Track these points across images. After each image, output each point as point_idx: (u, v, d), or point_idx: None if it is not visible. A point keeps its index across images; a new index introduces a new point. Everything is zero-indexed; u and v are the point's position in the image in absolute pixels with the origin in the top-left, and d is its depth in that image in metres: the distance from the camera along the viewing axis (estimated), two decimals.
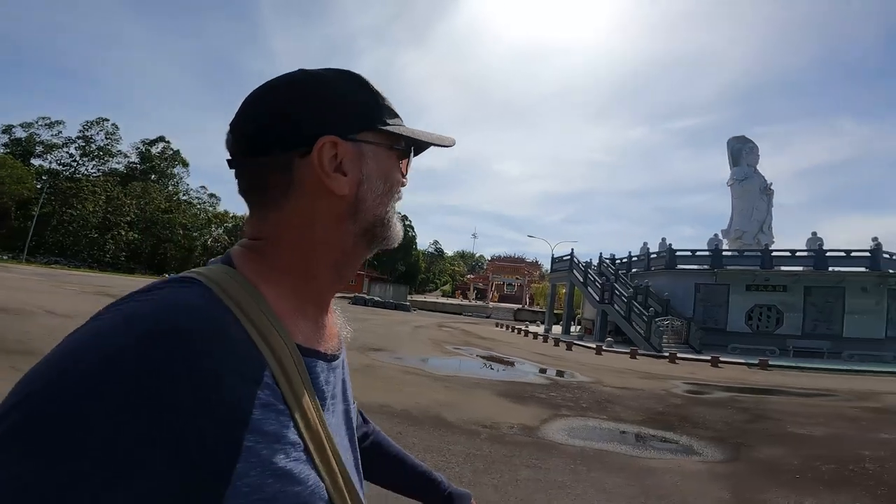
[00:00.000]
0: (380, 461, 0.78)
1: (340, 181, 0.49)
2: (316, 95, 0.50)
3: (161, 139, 61.50)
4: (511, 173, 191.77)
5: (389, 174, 0.54)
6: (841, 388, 11.44)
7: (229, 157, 0.52)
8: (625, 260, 27.44)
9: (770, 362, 15.48)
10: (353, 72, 0.53)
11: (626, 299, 20.98)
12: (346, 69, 0.54)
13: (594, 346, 17.87)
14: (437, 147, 0.60)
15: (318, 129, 0.48)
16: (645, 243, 25.92)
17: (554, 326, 28.41)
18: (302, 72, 0.52)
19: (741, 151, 26.88)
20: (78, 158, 54.15)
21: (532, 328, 28.20)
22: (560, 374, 11.45)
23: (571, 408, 7.25)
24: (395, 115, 0.55)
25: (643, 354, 17.38)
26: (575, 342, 20.46)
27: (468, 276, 73.49)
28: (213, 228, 62.46)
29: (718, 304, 21.82)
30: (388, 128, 0.53)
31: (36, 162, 51.71)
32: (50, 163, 52.91)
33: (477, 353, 14.18)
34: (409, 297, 51.42)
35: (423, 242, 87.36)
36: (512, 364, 12.82)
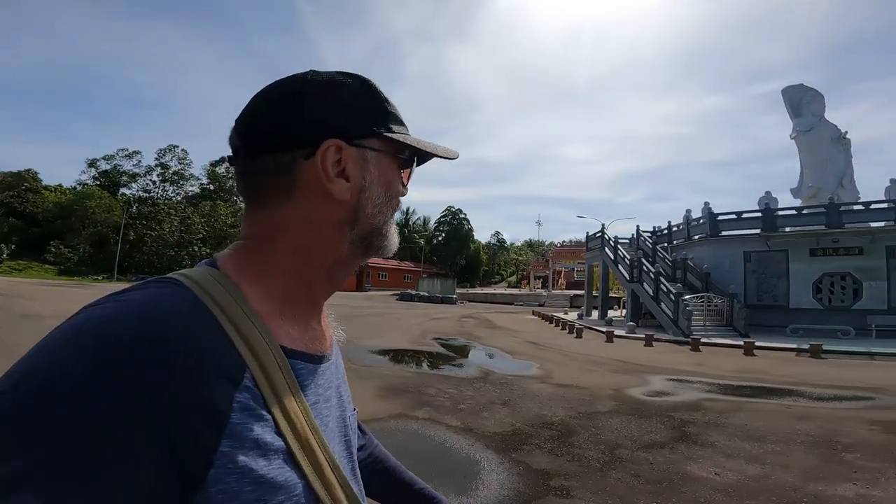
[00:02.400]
0: (376, 476, 0.74)
1: (342, 186, 0.48)
2: (323, 97, 0.49)
3: (223, 159, 66.01)
4: (578, 156, 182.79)
5: (391, 183, 0.53)
6: None
7: (230, 155, 0.51)
8: (665, 231, 23.90)
9: (826, 347, 12.20)
10: (363, 76, 0.53)
11: (653, 276, 18.09)
12: (356, 73, 0.53)
13: (607, 331, 15.50)
14: (442, 159, 0.59)
15: (324, 132, 0.48)
16: (688, 211, 22.22)
17: (600, 311, 25.68)
18: (312, 72, 0.51)
19: (801, 101, 22.04)
20: (158, 184, 60.07)
21: (568, 315, 25.84)
22: (506, 365, 9.79)
23: (438, 407, 6.21)
24: (401, 123, 0.54)
25: (665, 340, 14.75)
26: (593, 328, 18.10)
27: (530, 265, 70.67)
28: None
29: (776, 275, 17.93)
30: (393, 135, 0.52)
31: (126, 191, 58.18)
32: (136, 191, 59.24)
33: (449, 342, 12.79)
34: (457, 290, 50.71)
35: (488, 234, 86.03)
36: (465, 355, 11.40)
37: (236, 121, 0.50)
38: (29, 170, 54.11)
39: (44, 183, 54.48)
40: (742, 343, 12.75)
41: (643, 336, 14.64)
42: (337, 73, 0.52)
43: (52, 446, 0.31)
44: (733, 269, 18.72)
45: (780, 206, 18.64)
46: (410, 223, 68.54)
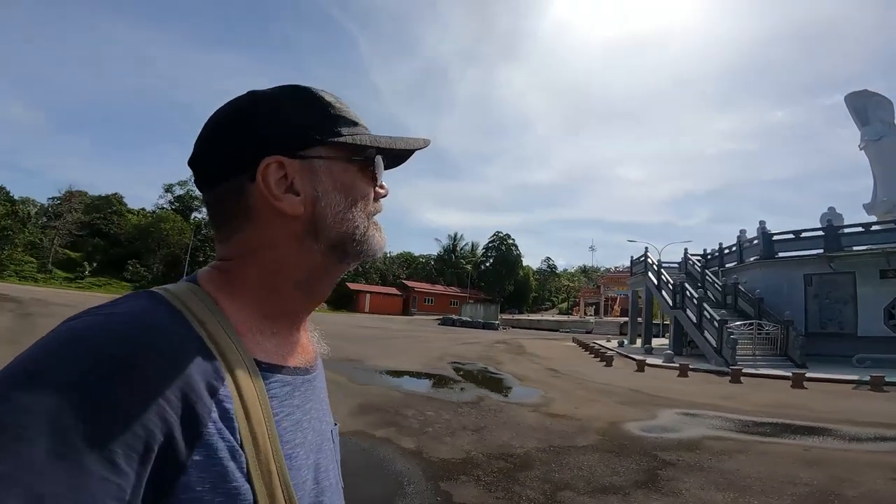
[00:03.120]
0: None
1: (292, 201, 0.48)
2: (257, 116, 0.49)
3: None
4: (633, 177, 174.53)
5: (351, 188, 0.52)
6: None
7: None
8: (716, 254, 21.93)
9: (892, 379, 10.43)
10: (302, 85, 0.52)
11: (696, 302, 16.55)
12: (295, 84, 0.52)
13: (640, 360, 14.25)
14: (413, 151, 0.58)
15: (262, 152, 0.47)
16: (742, 231, 20.23)
17: (643, 339, 23.93)
18: (248, 94, 0.51)
19: (866, 108, 19.61)
20: None
21: (610, 343, 24.30)
22: (507, 391, 9.15)
23: (404, 428, 6.06)
24: (354, 124, 0.52)
25: (705, 371, 13.28)
26: (629, 356, 16.73)
27: (581, 291, 68.04)
28: None
29: (841, 300, 15.71)
30: (340, 139, 0.50)
31: (197, 215, 62.85)
32: (205, 215, 63.87)
33: (463, 366, 12.23)
34: (503, 316, 50.62)
35: (538, 260, 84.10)
36: (471, 380, 10.82)
37: (188, 160, 0.51)
38: (115, 194, 60.14)
39: (129, 206, 60.18)
40: (790, 374, 11.17)
41: (677, 365, 13.28)
42: (277, 87, 0.51)
43: (29, 452, 0.31)
44: (792, 293, 16.70)
45: (844, 224, 16.49)
46: (458, 249, 68.51)
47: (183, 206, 61.30)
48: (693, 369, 13.65)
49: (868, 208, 19.92)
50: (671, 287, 18.85)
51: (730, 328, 14.31)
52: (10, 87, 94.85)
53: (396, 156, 0.57)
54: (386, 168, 0.57)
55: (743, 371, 12.47)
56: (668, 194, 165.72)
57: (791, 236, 17.42)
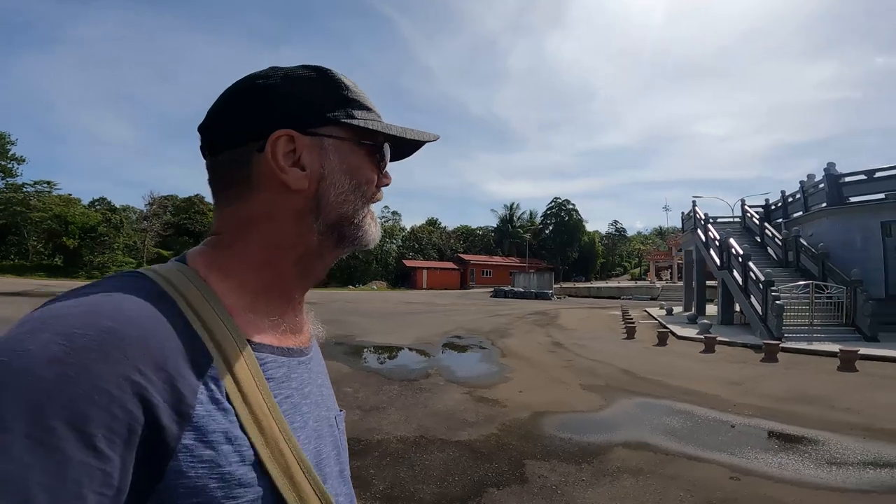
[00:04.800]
0: None
1: (297, 175, 0.48)
2: (275, 90, 0.49)
3: None
4: (718, 132, 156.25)
5: (356, 171, 0.51)
6: None
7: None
8: (780, 205, 18.32)
9: None
10: (321, 66, 0.52)
11: (741, 261, 13.95)
12: (316, 64, 0.52)
13: (661, 333, 12.32)
14: (420, 144, 0.57)
15: (275, 124, 0.47)
16: (809, 176, 16.50)
17: (696, 306, 21.20)
18: (269, 68, 0.51)
19: None
20: None
21: (660, 311, 21.88)
22: (468, 369, 8.14)
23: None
24: (368, 109, 0.52)
25: (741, 344, 11.10)
26: (665, 326, 14.64)
27: (650, 255, 62.88)
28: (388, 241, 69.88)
29: None
30: (352, 121, 0.50)
31: None
32: None
33: (454, 342, 11.42)
34: (565, 285, 48.59)
35: (623, 224, 78.85)
36: (444, 354, 9.83)
37: (201, 122, 0.51)
38: (197, 195, 65.70)
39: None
40: (838, 350, 8.85)
41: (703, 338, 11.24)
42: (299, 66, 0.51)
43: (7, 439, 0.30)
44: (867, 247, 13.36)
45: None
46: (515, 218, 66.10)
47: None
48: (727, 343, 11.51)
49: None
50: (718, 244, 16.16)
51: (776, 291, 11.78)
52: (103, 107, 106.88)
53: (403, 149, 0.57)
54: (393, 159, 0.57)
55: (783, 346, 10.21)
56: (761, 148, 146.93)
57: (864, 177, 13.78)
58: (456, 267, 56.16)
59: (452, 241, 63.35)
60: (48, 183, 46.54)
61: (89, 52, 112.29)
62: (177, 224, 59.64)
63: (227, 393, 0.40)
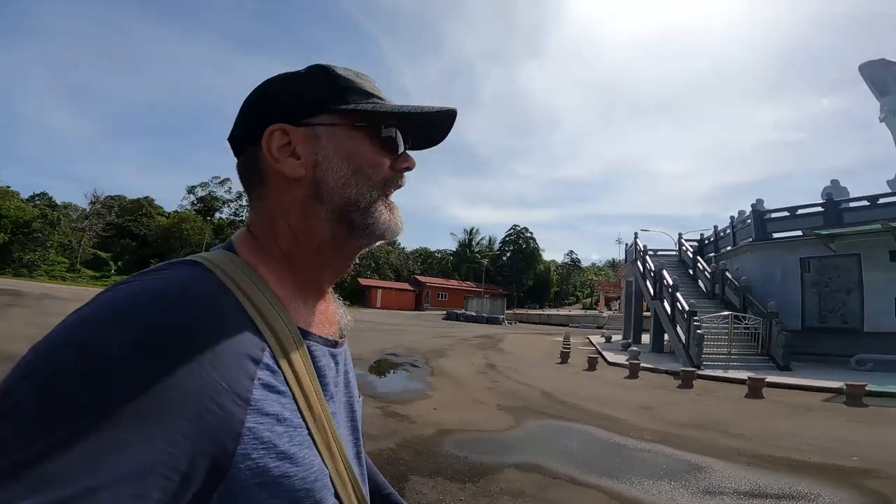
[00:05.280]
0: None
1: (292, 164, 0.50)
2: (274, 90, 0.52)
3: None
4: (671, 170, 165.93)
5: (355, 154, 0.52)
6: None
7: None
8: (712, 239, 19.40)
9: (871, 388, 8.34)
10: (322, 64, 0.53)
11: (670, 292, 14.52)
12: (318, 63, 0.53)
13: (591, 359, 12.51)
14: (436, 124, 0.57)
15: (268, 122, 0.50)
16: (740, 212, 17.69)
17: (627, 335, 21.80)
18: (278, 74, 0.53)
19: (885, 78, 16.58)
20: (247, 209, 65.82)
21: (600, 339, 22.36)
22: (391, 385, 7.78)
23: None
24: (368, 95, 0.53)
25: (665, 371, 11.39)
26: (601, 353, 14.90)
27: (600, 285, 64.85)
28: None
29: (844, 289, 13.16)
30: (343, 106, 0.51)
31: (219, 215, 64.35)
32: (227, 215, 65.37)
33: (385, 359, 11.02)
34: (518, 311, 49.63)
35: (578, 255, 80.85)
36: (376, 374, 9.42)
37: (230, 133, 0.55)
38: (146, 197, 62.88)
39: (164, 209, 62.55)
40: (746, 378, 9.23)
41: (628, 364, 11.49)
42: (305, 67, 0.53)
43: (91, 413, 0.31)
44: (786, 280, 14.27)
45: (849, 197, 13.83)
46: (474, 243, 66.76)
47: (205, 206, 62.88)
48: (651, 369, 11.81)
49: (892, 185, 16.98)
50: (652, 274, 16.79)
51: (697, 321, 12.28)
52: (59, 98, 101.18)
53: (426, 131, 0.57)
54: (417, 147, 0.58)
55: (700, 374, 10.59)
56: (710, 187, 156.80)
57: (786, 214, 14.84)
58: (412, 288, 55.76)
59: (410, 262, 63.10)
60: None
61: (52, 42, 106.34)
62: (120, 225, 56.58)
63: (284, 377, 0.42)
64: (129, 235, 56.62)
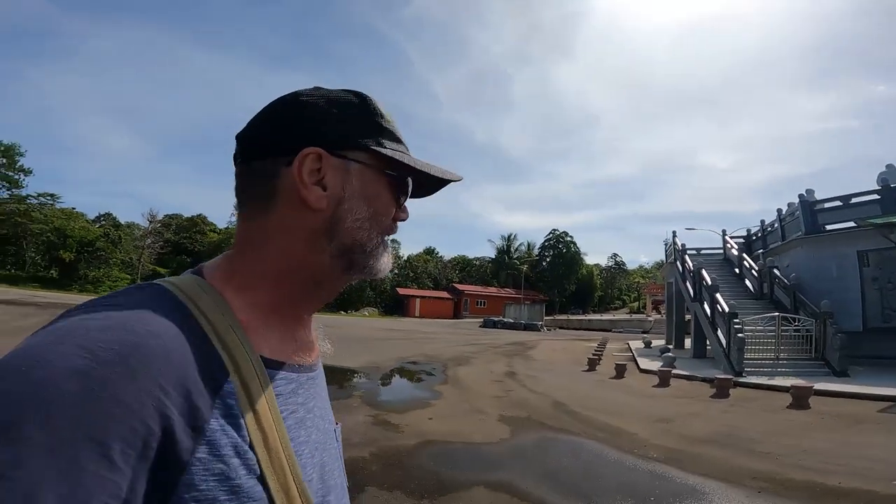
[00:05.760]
0: None
1: (318, 194, 0.48)
2: (313, 108, 0.49)
3: None
4: (720, 165, 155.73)
5: (376, 199, 0.51)
6: None
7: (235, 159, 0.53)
8: (759, 234, 17.77)
9: None
10: (363, 92, 0.53)
11: (710, 292, 13.37)
12: (358, 90, 0.53)
13: (619, 366, 11.68)
14: (444, 184, 0.58)
15: (305, 141, 0.48)
16: (790, 205, 16.07)
17: (668, 339, 20.40)
18: (313, 88, 0.52)
19: None
20: None
21: (640, 344, 21.14)
22: (396, 393, 7.66)
23: None
24: (398, 141, 0.53)
25: (699, 379, 10.43)
26: (635, 359, 13.97)
27: (645, 288, 61.86)
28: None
29: None
30: (381, 149, 0.50)
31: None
32: None
33: (402, 367, 10.92)
34: (559, 317, 48.73)
35: (623, 258, 77.85)
36: (371, 378, 9.35)
37: (240, 130, 0.52)
38: (199, 214, 66.52)
39: (217, 225, 66.08)
40: (790, 387, 8.20)
41: (658, 372, 10.60)
42: (342, 90, 0.52)
43: (24, 447, 0.30)
44: (843, 277, 12.76)
45: None
46: (512, 249, 65.63)
47: None
48: (685, 377, 10.87)
49: None
50: (691, 275, 15.61)
51: (738, 323, 11.17)
52: (119, 121, 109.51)
53: (425, 186, 0.57)
54: (415, 196, 0.57)
55: (741, 381, 9.58)
56: (766, 180, 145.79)
57: (839, 203, 13.30)
58: (450, 296, 55.47)
59: (448, 270, 62.86)
60: (51, 195, 47.13)
61: (102, 65, 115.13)
62: (176, 242, 60.09)
63: (240, 408, 0.40)
64: (184, 252, 60.00)
